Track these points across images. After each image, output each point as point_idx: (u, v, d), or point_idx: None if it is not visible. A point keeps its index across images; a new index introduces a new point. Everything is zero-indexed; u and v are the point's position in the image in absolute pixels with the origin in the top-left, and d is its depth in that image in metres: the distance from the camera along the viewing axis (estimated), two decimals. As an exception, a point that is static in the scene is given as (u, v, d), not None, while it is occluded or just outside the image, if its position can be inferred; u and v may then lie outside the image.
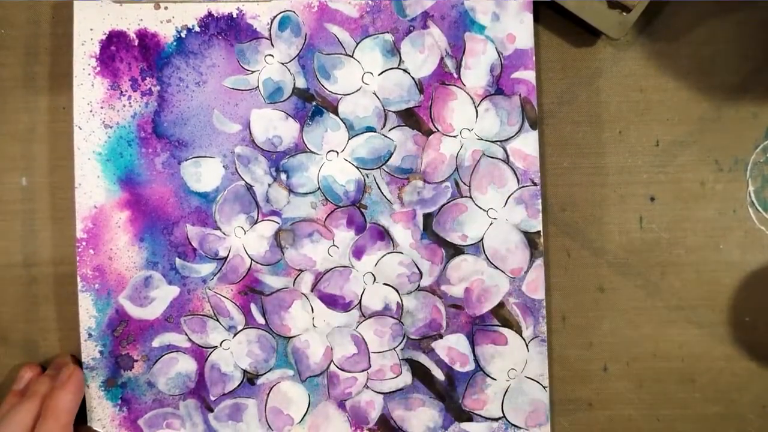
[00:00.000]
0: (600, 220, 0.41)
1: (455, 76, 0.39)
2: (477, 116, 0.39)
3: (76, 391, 0.38)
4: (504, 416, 0.39)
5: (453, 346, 0.40)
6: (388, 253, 0.40)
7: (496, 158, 0.39)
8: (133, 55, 0.39)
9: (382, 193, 0.40)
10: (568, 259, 0.41)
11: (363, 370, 0.40)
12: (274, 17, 0.39)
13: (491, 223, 0.39)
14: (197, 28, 0.39)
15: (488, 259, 0.39)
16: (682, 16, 0.41)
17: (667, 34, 0.41)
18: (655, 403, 0.41)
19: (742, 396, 0.41)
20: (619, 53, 0.41)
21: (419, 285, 0.40)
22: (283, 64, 0.39)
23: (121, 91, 0.39)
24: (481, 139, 0.39)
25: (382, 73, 0.39)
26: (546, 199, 0.41)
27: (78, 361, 0.39)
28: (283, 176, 0.39)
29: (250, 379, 0.40)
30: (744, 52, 0.41)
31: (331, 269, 0.40)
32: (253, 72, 0.39)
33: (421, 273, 0.40)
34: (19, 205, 0.41)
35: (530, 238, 0.39)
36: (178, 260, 0.39)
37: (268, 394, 0.40)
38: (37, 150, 0.41)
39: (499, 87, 0.39)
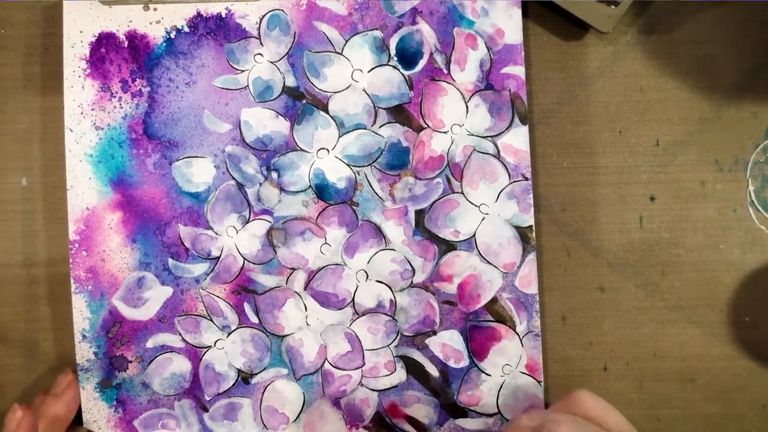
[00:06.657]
0: (600, 219, 0.41)
1: (445, 71, 0.39)
2: (467, 112, 0.39)
3: (70, 401, 0.39)
4: (499, 412, 0.39)
5: (447, 342, 0.39)
6: (381, 250, 0.39)
7: (487, 153, 0.39)
8: (123, 57, 0.39)
9: (373, 190, 0.39)
10: (568, 259, 0.41)
11: (357, 368, 0.40)
12: (263, 16, 0.39)
13: (483, 219, 0.39)
14: (186, 29, 0.39)
15: (481, 254, 0.39)
16: (683, 15, 0.41)
17: (668, 34, 0.41)
18: (655, 403, 0.41)
19: (742, 396, 0.41)
20: (619, 53, 0.41)
21: (412, 282, 0.39)
22: (272, 62, 0.39)
23: (112, 93, 0.39)
24: (472, 135, 0.39)
25: (371, 70, 0.39)
26: (546, 198, 0.41)
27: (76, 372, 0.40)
28: (274, 175, 0.39)
29: (244, 378, 0.40)
30: (744, 52, 0.41)
31: (324, 267, 0.40)
32: (242, 71, 0.39)
33: (413, 269, 0.39)
34: (19, 205, 0.41)
35: (522, 233, 0.39)
36: (170, 260, 0.39)
37: (263, 393, 0.40)
38: (37, 150, 0.41)
39: (488, 82, 0.39)
